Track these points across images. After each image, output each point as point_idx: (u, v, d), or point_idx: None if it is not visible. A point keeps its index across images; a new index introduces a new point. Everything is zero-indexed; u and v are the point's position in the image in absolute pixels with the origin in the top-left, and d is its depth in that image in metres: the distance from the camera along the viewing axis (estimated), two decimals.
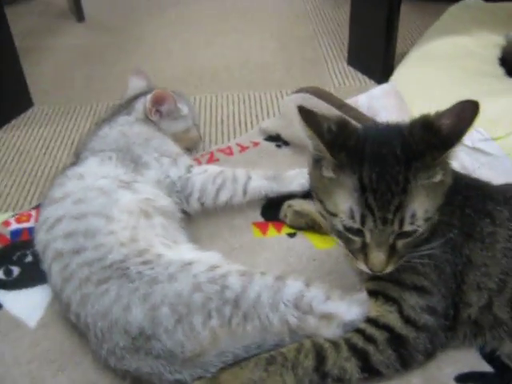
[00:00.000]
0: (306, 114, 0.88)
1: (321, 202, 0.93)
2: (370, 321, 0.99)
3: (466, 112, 0.84)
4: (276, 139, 1.59)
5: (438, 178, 0.86)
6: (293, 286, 1.04)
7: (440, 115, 0.86)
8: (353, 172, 0.85)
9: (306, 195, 1.32)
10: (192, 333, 0.97)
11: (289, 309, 1.01)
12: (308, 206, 1.31)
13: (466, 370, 0.98)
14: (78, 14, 2.77)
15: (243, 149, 1.58)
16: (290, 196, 1.37)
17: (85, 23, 2.79)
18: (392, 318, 0.97)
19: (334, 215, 0.89)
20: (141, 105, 1.50)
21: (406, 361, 0.96)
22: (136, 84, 1.61)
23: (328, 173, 0.89)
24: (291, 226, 1.33)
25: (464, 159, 1.27)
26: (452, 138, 0.84)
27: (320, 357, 0.95)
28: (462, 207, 1.00)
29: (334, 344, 0.96)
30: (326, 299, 1.03)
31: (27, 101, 2.07)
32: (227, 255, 1.20)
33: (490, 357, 1.00)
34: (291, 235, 1.31)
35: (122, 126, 1.44)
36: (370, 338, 0.96)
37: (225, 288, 1.02)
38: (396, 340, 0.96)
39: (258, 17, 2.66)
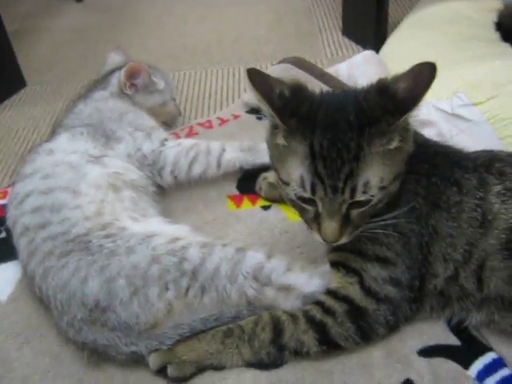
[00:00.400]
0: (255, 77, 0.85)
1: (276, 170, 0.91)
2: (330, 293, 0.96)
3: (423, 75, 0.81)
4: (257, 111, 1.55)
5: (393, 144, 0.83)
6: (253, 258, 1.02)
7: (396, 79, 0.82)
8: (304, 139, 0.83)
9: None
10: (147, 305, 0.96)
11: (247, 280, 0.99)
12: None
13: (431, 342, 0.95)
14: None
15: (223, 122, 1.55)
16: (267, 168, 1.33)
17: (83, 3, 2.78)
18: (352, 290, 0.94)
19: (287, 184, 0.87)
20: (115, 79, 1.48)
21: (365, 333, 0.93)
22: (114, 59, 1.59)
23: (280, 140, 0.86)
24: (266, 199, 1.30)
25: (442, 126, 1.23)
26: (408, 103, 0.80)
27: (277, 329, 0.93)
28: (428, 175, 0.96)
29: (292, 316, 0.94)
30: (286, 271, 1.01)
31: (20, 81, 2.08)
32: (199, 228, 1.19)
33: (457, 329, 0.98)
34: (265, 208, 1.29)
35: (96, 102, 1.42)
36: (328, 310, 0.94)
37: (183, 260, 1.01)
38: (355, 312, 0.93)
39: None
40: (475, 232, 0.92)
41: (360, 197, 0.84)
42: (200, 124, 1.57)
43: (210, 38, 2.17)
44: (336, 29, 2.21)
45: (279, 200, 1.28)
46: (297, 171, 0.84)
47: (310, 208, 0.88)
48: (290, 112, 0.83)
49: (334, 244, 0.90)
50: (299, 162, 0.83)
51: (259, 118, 1.52)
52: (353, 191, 0.83)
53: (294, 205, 0.91)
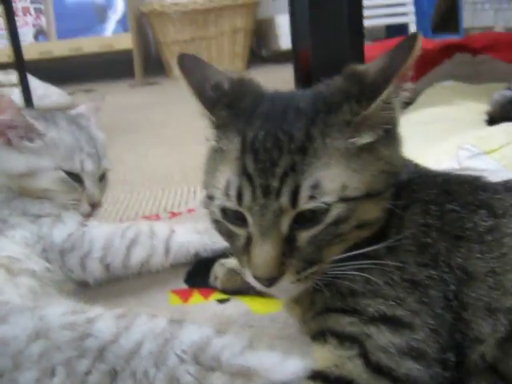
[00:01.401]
0: (187, 61, 0.72)
1: (205, 189, 0.71)
2: (317, 376, 0.61)
3: (401, 49, 0.64)
4: None
5: (361, 141, 0.64)
6: (194, 332, 0.67)
7: (369, 64, 0.66)
8: (237, 134, 0.66)
9: None
10: None
11: (183, 363, 0.63)
12: None
13: None
14: None
15: (174, 215, 1.26)
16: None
17: None
18: (352, 367, 0.60)
19: (211, 198, 0.67)
20: None
21: None
22: None
23: (211, 142, 0.70)
24: (223, 291, 0.96)
25: None
26: (378, 85, 0.63)
27: None
28: (440, 203, 0.68)
29: None
30: (244, 349, 0.65)
31: None
32: None
33: None
34: (222, 301, 0.94)
35: None
36: None
37: (86, 336, 0.66)
38: None
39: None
40: None
41: (305, 203, 0.61)
42: (146, 217, 1.27)
43: (171, 167, 1.95)
44: None
45: (240, 290, 0.94)
46: (223, 177, 0.65)
47: (239, 231, 0.66)
48: (223, 104, 0.68)
49: (268, 284, 0.63)
50: (228, 164, 0.65)
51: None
52: (294, 194, 0.61)
53: (221, 230, 0.70)
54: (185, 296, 0.97)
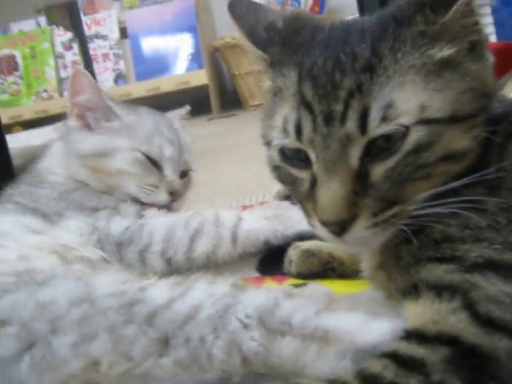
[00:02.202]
0: (238, 6, 0.66)
1: (264, 138, 0.64)
2: (410, 335, 0.49)
3: None
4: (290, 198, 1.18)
5: (440, 53, 0.55)
6: (260, 295, 0.57)
7: None
8: (293, 67, 0.59)
9: None
10: (44, 360, 0.50)
11: (247, 328, 0.53)
12: (323, 244, 0.85)
13: None
14: None
15: (245, 208, 1.17)
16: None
17: None
18: (455, 321, 0.48)
19: (269, 144, 0.61)
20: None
21: None
22: None
23: (267, 82, 0.64)
24: (299, 276, 0.85)
25: None
26: None
27: None
28: None
29: None
30: (320, 311, 0.54)
31: None
32: None
33: None
34: (298, 286, 0.83)
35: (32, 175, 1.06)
36: (410, 364, 0.46)
37: (136, 302, 0.57)
38: (468, 359, 0.45)
39: None
40: None
41: (377, 127, 0.52)
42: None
43: (246, 180, 1.86)
44: None
45: (317, 271, 0.83)
46: (280, 115, 0.58)
47: (302, 174, 0.58)
48: (277, 42, 0.62)
49: (338, 228, 0.53)
50: (286, 101, 0.58)
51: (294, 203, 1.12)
52: (363, 117, 0.52)
53: (282, 177, 0.62)
54: (256, 283, 0.87)
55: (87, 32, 3.78)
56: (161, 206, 1.01)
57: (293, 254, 0.87)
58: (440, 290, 0.50)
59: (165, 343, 0.52)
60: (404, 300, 0.53)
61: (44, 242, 0.83)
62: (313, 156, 0.55)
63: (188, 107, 1.25)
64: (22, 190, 0.98)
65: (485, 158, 0.57)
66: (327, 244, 0.82)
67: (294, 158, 0.57)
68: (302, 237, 0.91)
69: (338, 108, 0.53)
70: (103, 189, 0.99)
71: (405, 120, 0.51)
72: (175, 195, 1.02)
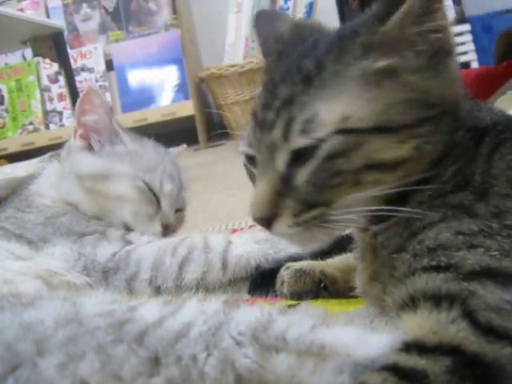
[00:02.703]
0: (262, 21, 0.71)
1: None
2: (411, 347, 0.47)
3: None
4: None
5: (377, 64, 0.56)
6: (254, 311, 0.55)
7: None
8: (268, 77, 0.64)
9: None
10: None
11: (240, 345, 0.51)
12: (316, 262, 0.84)
13: None
14: None
15: (234, 231, 1.16)
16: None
17: None
18: (455, 331, 0.47)
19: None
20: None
21: None
22: None
23: None
24: (291, 296, 0.84)
25: None
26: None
27: None
28: None
29: None
30: (316, 327, 0.53)
31: None
32: None
33: None
34: (291, 307, 0.81)
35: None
36: (411, 376, 0.44)
37: (126, 321, 0.55)
38: (472, 368, 0.44)
39: None
40: None
41: (297, 138, 0.56)
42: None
43: (234, 206, 1.85)
44: None
45: (310, 291, 0.82)
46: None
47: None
48: (276, 52, 0.65)
49: (275, 233, 0.61)
50: None
51: None
52: (287, 127, 0.57)
53: (249, 175, 0.67)
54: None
55: (73, 65, 3.78)
56: (153, 236, 1.00)
57: (285, 274, 0.86)
58: (438, 299, 0.49)
59: (155, 362, 0.50)
60: (401, 313, 0.52)
61: (28, 268, 0.81)
62: (257, 158, 0.60)
63: (185, 146, 1.26)
64: (7, 214, 0.96)
65: (472, 169, 0.57)
66: (320, 262, 0.81)
67: (250, 160, 0.63)
68: (294, 260, 0.90)
69: (270, 117, 0.58)
70: (94, 213, 0.97)
71: (321, 133, 0.55)
72: (168, 229, 1.02)
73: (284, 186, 0.58)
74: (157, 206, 1.02)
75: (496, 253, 0.50)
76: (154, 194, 1.02)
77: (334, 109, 0.55)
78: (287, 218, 0.58)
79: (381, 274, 0.60)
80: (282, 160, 0.58)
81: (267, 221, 0.59)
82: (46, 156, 1.12)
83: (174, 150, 1.23)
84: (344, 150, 0.55)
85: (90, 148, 1.01)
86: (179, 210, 1.10)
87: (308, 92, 0.56)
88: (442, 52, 0.58)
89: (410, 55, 0.56)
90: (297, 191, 0.57)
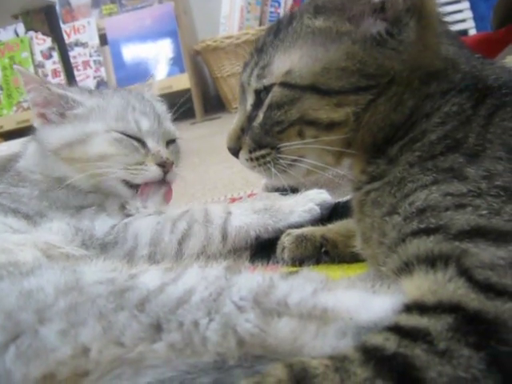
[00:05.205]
0: None
1: None
2: (410, 307, 0.47)
3: None
4: (278, 190, 1.16)
5: (324, 23, 0.61)
6: (255, 276, 0.55)
7: None
8: None
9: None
10: (30, 348, 0.47)
11: (242, 310, 0.51)
12: (316, 228, 0.84)
13: None
14: None
15: (234, 200, 1.15)
16: None
17: None
18: (453, 288, 0.47)
19: None
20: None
21: (505, 366, 0.41)
22: None
23: None
24: (292, 262, 0.84)
25: None
26: None
27: None
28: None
29: (334, 361, 0.44)
30: (317, 290, 0.52)
31: None
32: None
33: None
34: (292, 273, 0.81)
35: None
36: (413, 334, 0.44)
37: (127, 289, 0.54)
38: (474, 325, 0.44)
39: None
40: None
41: (254, 82, 0.66)
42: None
43: (232, 177, 1.84)
44: None
45: (311, 256, 0.82)
46: None
47: None
48: None
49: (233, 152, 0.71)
50: None
51: (284, 194, 1.11)
52: (251, 72, 0.66)
53: None
54: None
55: (67, 40, 3.74)
56: (156, 184, 0.98)
57: (286, 240, 0.86)
58: (432, 260, 0.49)
59: (157, 328, 0.50)
60: (398, 278, 0.52)
61: (27, 240, 0.80)
62: None
63: (152, 76, 1.23)
64: (0, 189, 0.95)
65: (467, 131, 0.58)
66: (321, 228, 0.81)
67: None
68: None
69: (247, 60, 0.67)
70: (88, 183, 0.96)
71: (268, 82, 0.62)
72: (166, 166, 0.98)
73: (247, 125, 0.67)
74: (144, 149, 0.98)
75: (485, 211, 0.50)
76: (136, 138, 0.98)
77: (284, 61, 0.62)
78: (245, 153, 0.68)
79: (370, 239, 0.61)
80: (249, 101, 0.67)
81: (234, 151, 0.70)
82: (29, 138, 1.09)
83: (139, 86, 1.19)
84: (284, 102, 0.62)
85: (50, 122, 0.98)
86: (171, 142, 1.06)
87: (274, 42, 0.63)
88: (397, 21, 0.60)
89: (357, 23, 0.60)
90: (252, 131, 0.67)
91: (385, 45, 0.60)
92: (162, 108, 1.09)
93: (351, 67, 0.60)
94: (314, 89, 0.60)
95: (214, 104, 4.00)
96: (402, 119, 0.62)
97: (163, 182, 0.99)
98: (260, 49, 0.65)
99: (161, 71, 3.96)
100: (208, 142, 2.76)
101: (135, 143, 0.97)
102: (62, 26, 3.18)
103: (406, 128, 0.62)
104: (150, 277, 0.57)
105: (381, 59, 0.60)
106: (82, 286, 0.54)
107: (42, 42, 4.04)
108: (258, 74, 0.64)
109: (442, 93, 0.61)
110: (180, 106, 1.15)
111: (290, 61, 0.61)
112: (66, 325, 0.49)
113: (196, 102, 3.74)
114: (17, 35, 4.17)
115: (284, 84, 0.62)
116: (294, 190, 1.06)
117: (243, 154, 0.69)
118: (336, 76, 0.60)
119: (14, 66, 1.00)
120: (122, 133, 0.96)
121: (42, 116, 0.98)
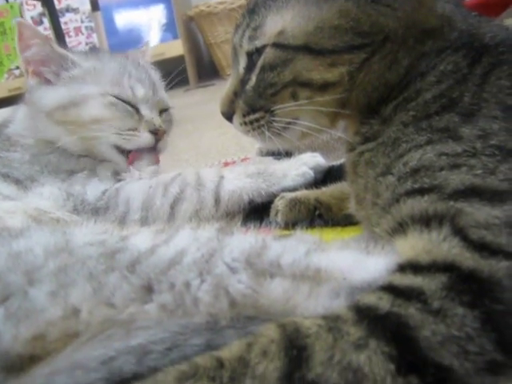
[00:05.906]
0: None
1: None
2: (404, 267, 0.47)
3: None
4: (273, 154, 1.15)
5: None
6: (247, 238, 0.54)
7: None
8: None
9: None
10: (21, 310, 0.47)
11: (233, 271, 0.50)
12: (310, 191, 0.83)
13: None
14: None
15: (227, 164, 1.14)
16: None
17: None
18: (448, 247, 0.46)
19: None
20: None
21: (500, 325, 0.41)
22: None
23: None
24: (286, 225, 0.83)
25: None
26: None
27: (295, 351, 0.42)
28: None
29: (326, 321, 0.43)
30: (310, 251, 0.52)
31: None
32: None
33: None
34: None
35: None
36: (407, 294, 0.44)
37: (117, 250, 0.54)
38: (469, 284, 0.43)
39: None
40: None
41: (246, 44, 0.64)
42: None
43: (226, 143, 1.81)
44: None
45: (304, 219, 0.81)
46: None
47: None
48: None
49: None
50: None
51: (278, 159, 1.10)
52: (243, 33, 0.65)
53: None
54: None
55: (57, 6, 3.66)
56: (146, 152, 0.97)
57: (279, 203, 0.85)
58: (426, 220, 0.49)
59: (148, 289, 0.49)
60: (392, 239, 0.52)
61: (17, 207, 0.79)
62: None
63: (146, 43, 1.21)
64: None
65: (460, 87, 0.57)
66: (315, 191, 0.81)
67: None
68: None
69: (238, 21, 0.65)
70: (80, 147, 0.94)
71: (260, 43, 0.61)
72: (158, 134, 0.98)
73: (240, 89, 0.66)
74: (137, 116, 0.98)
75: (480, 171, 0.50)
76: (130, 104, 0.97)
77: (276, 21, 0.60)
78: (239, 117, 0.67)
79: (364, 200, 0.60)
80: (242, 64, 0.64)
81: (228, 116, 0.69)
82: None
83: (134, 52, 1.16)
84: (277, 63, 0.60)
85: (47, 81, 0.96)
86: (164, 111, 1.06)
87: (266, 3, 0.62)
88: None
89: None
90: (245, 95, 0.65)
91: (379, 1, 0.59)
92: (156, 76, 1.08)
93: (345, 25, 0.58)
94: (307, 49, 0.59)
95: (208, 71, 3.95)
96: (397, 78, 0.61)
97: (152, 150, 0.98)
98: (252, 10, 0.63)
99: (153, 37, 3.90)
100: (201, 109, 2.73)
101: (130, 108, 0.96)
102: None
103: (401, 87, 0.61)
104: (141, 238, 0.56)
105: (375, 16, 0.59)
106: (72, 247, 0.53)
107: (33, 8, 3.96)
108: (250, 36, 0.62)
109: (437, 51, 0.60)
110: (174, 74, 1.13)
111: (283, 21, 0.60)
112: (56, 286, 0.48)
113: (189, 68, 3.70)
114: (6, 1, 4.09)
115: (276, 45, 0.60)
116: (289, 155, 1.05)
117: (237, 119, 0.67)
118: (329, 35, 0.59)
119: (17, 20, 0.95)
120: (117, 97, 0.95)
121: (38, 75, 0.96)
